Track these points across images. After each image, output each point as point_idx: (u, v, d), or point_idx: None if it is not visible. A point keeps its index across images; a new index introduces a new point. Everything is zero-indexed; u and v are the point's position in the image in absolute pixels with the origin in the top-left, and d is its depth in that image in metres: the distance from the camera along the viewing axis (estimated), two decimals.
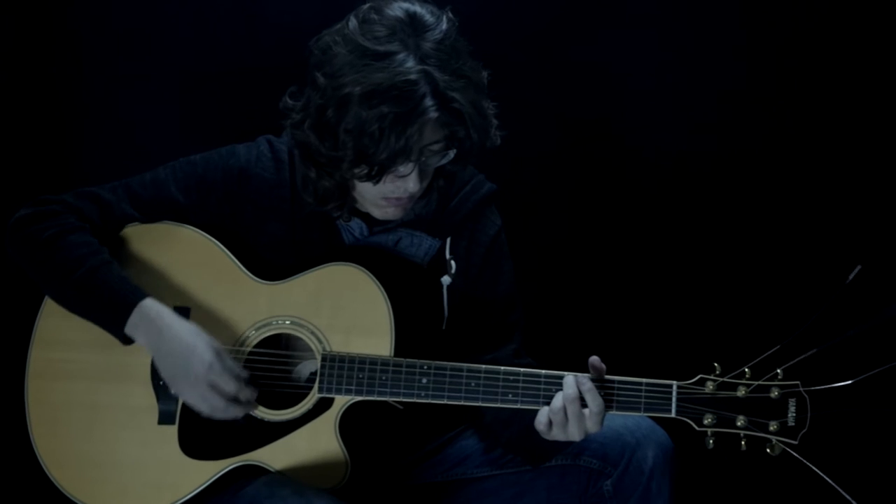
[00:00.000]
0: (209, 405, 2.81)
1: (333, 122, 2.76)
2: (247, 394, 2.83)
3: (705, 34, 3.92)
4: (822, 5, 3.88)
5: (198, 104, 3.87)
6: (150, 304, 2.83)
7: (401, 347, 2.82)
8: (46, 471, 2.90)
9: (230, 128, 3.64)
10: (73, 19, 3.84)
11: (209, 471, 2.85)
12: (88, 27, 3.84)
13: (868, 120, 3.91)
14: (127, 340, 2.85)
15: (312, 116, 2.80)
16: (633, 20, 3.92)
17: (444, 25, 2.78)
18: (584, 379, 2.74)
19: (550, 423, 2.75)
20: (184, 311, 2.89)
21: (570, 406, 2.73)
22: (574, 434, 2.74)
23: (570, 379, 2.75)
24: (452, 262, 2.96)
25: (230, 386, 2.80)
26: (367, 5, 2.81)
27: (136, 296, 2.83)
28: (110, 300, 2.83)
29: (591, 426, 2.74)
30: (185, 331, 2.82)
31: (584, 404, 2.73)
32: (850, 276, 2.69)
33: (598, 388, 2.74)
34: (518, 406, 2.77)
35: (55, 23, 3.83)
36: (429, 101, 2.71)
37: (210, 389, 2.80)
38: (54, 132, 3.86)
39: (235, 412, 2.83)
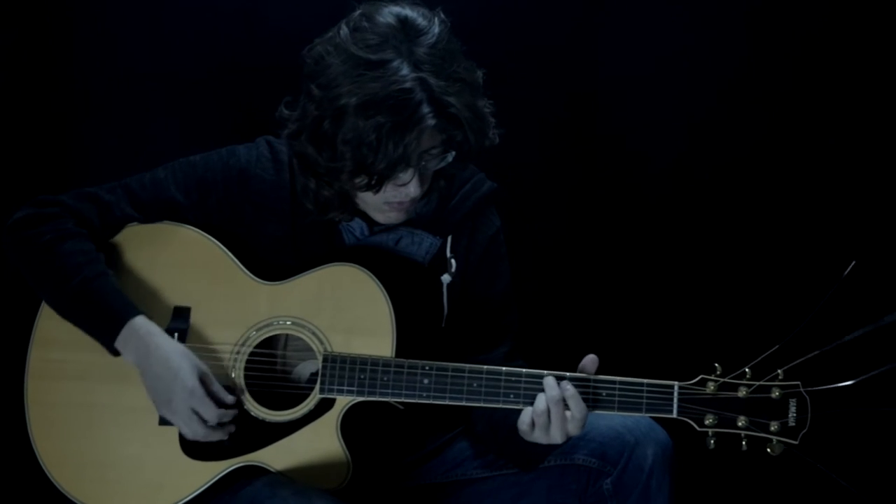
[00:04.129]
0: (190, 430, 2.82)
1: (330, 134, 2.75)
2: (229, 419, 2.84)
3: (705, 34, 3.91)
4: (822, 5, 3.88)
5: (198, 104, 3.87)
6: (140, 323, 2.83)
7: (401, 346, 2.82)
8: (46, 471, 2.90)
9: (230, 128, 3.64)
10: (73, 19, 3.84)
11: (210, 471, 2.85)
12: (88, 27, 3.84)
13: (868, 120, 3.91)
14: (117, 353, 2.85)
15: (309, 128, 2.79)
16: (633, 20, 3.92)
17: (436, 29, 2.76)
18: (568, 384, 2.74)
19: (533, 425, 2.75)
20: (185, 311, 2.89)
21: (554, 408, 2.73)
22: (556, 437, 2.74)
23: (551, 380, 2.75)
24: (453, 261, 2.95)
25: (210, 414, 2.80)
26: (358, 12, 2.79)
27: (128, 312, 2.83)
28: (102, 314, 2.83)
29: (573, 429, 2.74)
30: (172, 353, 2.82)
31: (567, 407, 2.74)
32: (845, 273, 2.69)
33: (581, 388, 2.74)
34: (520, 406, 2.77)
35: (55, 23, 3.83)
36: (425, 109, 2.70)
37: (191, 415, 2.80)
38: (54, 132, 3.86)
39: (217, 436, 2.83)
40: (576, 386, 2.74)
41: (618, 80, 3.94)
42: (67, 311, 2.87)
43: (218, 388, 2.83)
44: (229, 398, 2.84)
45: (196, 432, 2.81)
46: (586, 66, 3.93)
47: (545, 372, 2.76)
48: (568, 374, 2.76)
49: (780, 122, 3.94)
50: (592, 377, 2.75)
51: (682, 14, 3.91)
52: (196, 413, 2.80)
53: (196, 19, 3.85)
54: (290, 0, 3.82)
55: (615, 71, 3.93)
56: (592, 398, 2.75)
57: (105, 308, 2.83)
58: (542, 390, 2.75)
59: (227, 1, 3.85)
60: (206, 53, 3.86)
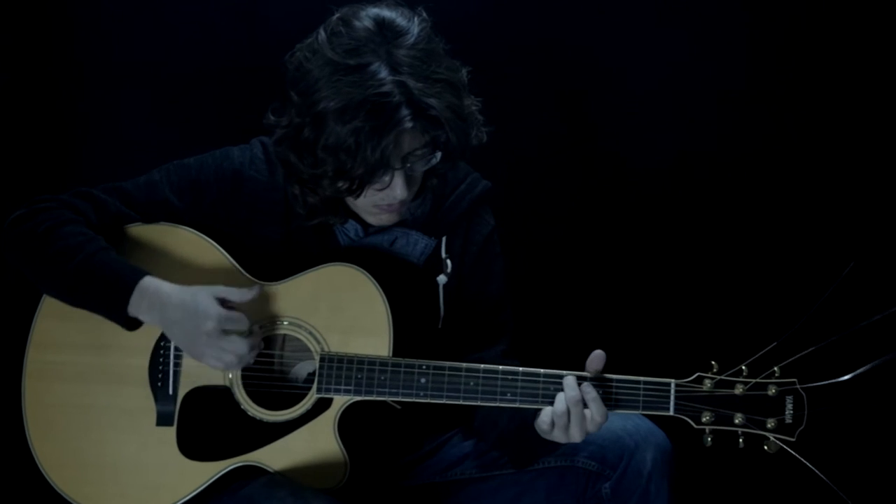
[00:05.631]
0: (234, 354, 2.79)
1: (311, 141, 2.74)
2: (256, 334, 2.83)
3: (705, 34, 3.91)
4: (822, 5, 3.87)
5: (197, 104, 3.87)
6: (149, 281, 2.81)
7: (398, 347, 2.82)
8: (44, 473, 2.90)
9: (230, 128, 3.64)
10: (73, 19, 3.84)
11: (208, 472, 2.85)
12: (88, 27, 3.84)
13: (868, 120, 3.90)
14: (131, 324, 2.83)
15: (291, 136, 2.79)
16: (632, 19, 3.91)
17: (415, 29, 2.75)
18: (589, 387, 2.73)
19: (553, 424, 2.75)
20: None
21: (573, 408, 2.72)
22: (575, 436, 2.74)
23: (571, 380, 2.75)
24: (448, 262, 2.95)
25: (243, 324, 2.79)
26: (336, 16, 2.78)
27: (136, 275, 2.81)
28: (110, 283, 2.81)
29: (592, 429, 2.74)
30: (186, 294, 2.80)
31: (586, 406, 2.74)
32: (844, 272, 2.69)
33: (598, 387, 2.74)
34: (517, 405, 2.77)
35: (55, 23, 3.83)
36: (404, 111, 2.69)
37: (227, 340, 2.78)
38: (54, 132, 3.87)
39: (253, 355, 2.82)
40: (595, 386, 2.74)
41: (616, 79, 3.93)
42: (74, 292, 2.84)
43: (237, 293, 2.81)
44: (254, 289, 2.82)
45: (240, 353, 2.78)
46: (584, 64, 3.92)
47: (542, 371, 2.76)
48: (571, 374, 2.76)
49: (779, 122, 3.94)
50: (604, 377, 2.75)
51: (681, 12, 3.90)
52: (230, 335, 2.78)
53: (195, 19, 3.85)
54: (289, 0, 3.81)
55: (613, 69, 3.93)
56: (603, 398, 2.75)
57: (111, 277, 2.81)
58: (539, 389, 2.76)
59: (226, 1, 3.85)
60: (205, 53, 3.86)
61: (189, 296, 2.80)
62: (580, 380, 2.75)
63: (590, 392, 2.72)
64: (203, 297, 2.79)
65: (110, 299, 2.82)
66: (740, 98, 3.93)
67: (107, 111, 3.88)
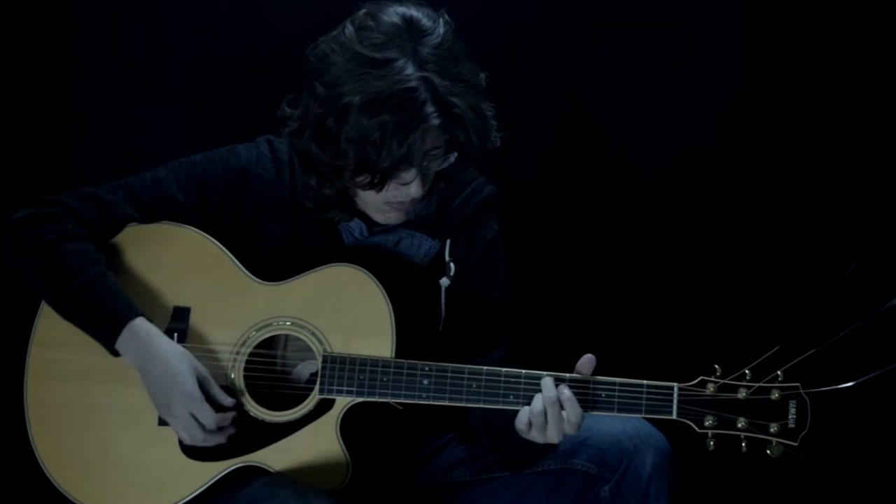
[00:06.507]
0: (189, 434, 2.82)
1: (334, 132, 2.75)
2: (228, 423, 2.84)
3: (705, 34, 3.91)
4: (822, 5, 3.88)
5: (198, 104, 3.87)
6: (140, 324, 2.83)
7: (399, 349, 2.82)
8: (46, 472, 2.90)
9: (230, 128, 3.63)
10: (73, 19, 3.84)
11: (210, 472, 2.85)
12: (88, 27, 3.84)
13: (868, 120, 3.91)
14: (117, 354, 2.85)
15: (312, 126, 2.79)
16: (633, 20, 3.92)
17: (441, 29, 2.77)
18: (564, 388, 2.74)
19: (530, 424, 2.75)
20: (184, 312, 2.89)
21: (550, 409, 2.73)
22: (552, 436, 2.74)
23: (548, 381, 2.75)
24: (452, 265, 2.95)
25: (208, 419, 2.80)
26: (363, 11, 2.80)
27: (129, 313, 2.83)
28: (103, 315, 2.83)
29: (569, 430, 2.75)
30: (171, 355, 2.82)
31: (563, 408, 2.74)
32: (846, 273, 2.70)
33: (580, 390, 2.74)
34: (519, 408, 2.77)
35: (55, 23, 3.83)
36: (430, 108, 2.70)
37: (190, 420, 2.80)
38: (54, 132, 3.86)
39: (216, 441, 2.83)
40: (575, 388, 2.74)
41: (617, 80, 3.93)
42: (68, 312, 2.87)
43: (217, 392, 2.83)
44: (228, 401, 2.84)
45: (195, 437, 2.81)
46: (586, 69, 3.92)
47: (545, 373, 2.76)
48: (567, 375, 2.76)
49: (780, 124, 3.94)
50: (591, 379, 2.75)
51: (683, 17, 3.90)
52: (195, 418, 2.80)
53: (196, 19, 3.85)
54: (290, 0, 3.81)
55: (614, 70, 3.93)
56: (592, 400, 2.75)
57: (105, 310, 2.83)
58: (541, 391, 2.75)
59: (227, 1, 3.85)
60: (206, 53, 3.86)
61: (175, 360, 2.82)
62: (558, 381, 2.75)
63: (565, 392, 2.73)
64: (185, 370, 2.81)
65: (100, 331, 2.85)
66: (740, 98, 3.93)
67: (107, 111, 3.88)
